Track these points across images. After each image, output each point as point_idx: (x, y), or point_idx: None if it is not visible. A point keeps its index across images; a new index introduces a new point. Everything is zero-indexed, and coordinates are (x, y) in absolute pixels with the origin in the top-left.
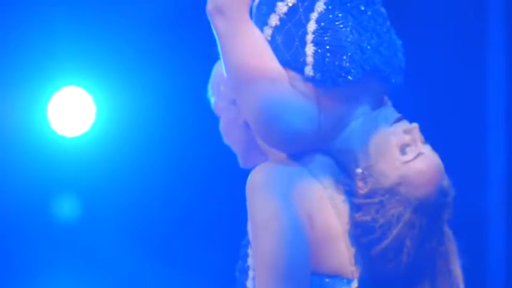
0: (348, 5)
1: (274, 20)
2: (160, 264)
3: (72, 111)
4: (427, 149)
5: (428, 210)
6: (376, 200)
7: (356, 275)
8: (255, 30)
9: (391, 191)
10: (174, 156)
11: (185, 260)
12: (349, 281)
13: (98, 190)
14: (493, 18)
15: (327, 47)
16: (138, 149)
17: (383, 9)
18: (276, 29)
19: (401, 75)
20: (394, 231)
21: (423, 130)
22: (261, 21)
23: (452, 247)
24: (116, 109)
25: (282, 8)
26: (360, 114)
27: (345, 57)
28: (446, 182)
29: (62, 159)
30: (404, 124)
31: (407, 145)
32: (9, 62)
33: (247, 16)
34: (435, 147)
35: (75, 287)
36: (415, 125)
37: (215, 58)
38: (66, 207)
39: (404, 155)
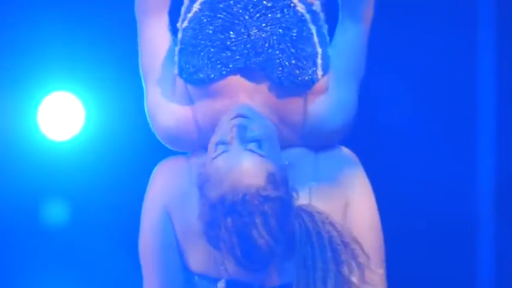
0: (220, 5)
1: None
2: None
3: (61, 115)
4: (238, 148)
5: (225, 208)
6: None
7: (225, 274)
8: (155, 31)
9: (200, 188)
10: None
11: None
12: (216, 280)
13: (88, 193)
14: (483, 19)
15: (187, 47)
16: (127, 152)
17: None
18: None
19: (283, 72)
20: (222, 230)
21: (414, 132)
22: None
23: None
24: (105, 113)
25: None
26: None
27: (198, 56)
28: (247, 182)
29: (52, 163)
30: (234, 121)
31: (222, 142)
32: None
33: (149, 17)
34: (425, 150)
35: None
36: (232, 122)
37: None
38: (57, 211)
39: (215, 152)
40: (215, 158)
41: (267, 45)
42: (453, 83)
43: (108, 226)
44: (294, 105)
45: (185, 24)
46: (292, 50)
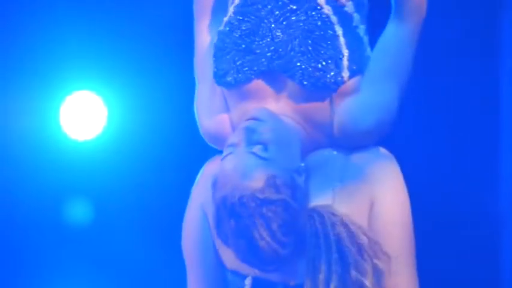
0: (249, 9)
1: None
2: (174, 267)
3: (84, 115)
4: (242, 151)
5: (227, 209)
6: None
7: (251, 271)
8: (205, 34)
9: (211, 189)
10: (187, 159)
11: None
12: (244, 277)
13: (110, 193)
14: (506, 18)
15: (217, 50)
16: (150, 151)
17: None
18: None
19: (303, 75)
20: (228, 231)
21: (434, 131)
22: None
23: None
24: (127, 112)
25: None
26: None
27: (226, 60)
28: (244, 185)
29: (74, 162)
30: (244, 124)
31: (231, 144)
32: (20, 68)
33: (200, 20)
34: (447, 149)
35: None
36: (242, 125)
37: None
38: (79, 211)
39: (224, 154)
40: (222, 159)
41: (289, 48)
42: (475, 81)
43: (130, 225)
44: (320, 107)
45: (221, 28)
46: (313, 53)
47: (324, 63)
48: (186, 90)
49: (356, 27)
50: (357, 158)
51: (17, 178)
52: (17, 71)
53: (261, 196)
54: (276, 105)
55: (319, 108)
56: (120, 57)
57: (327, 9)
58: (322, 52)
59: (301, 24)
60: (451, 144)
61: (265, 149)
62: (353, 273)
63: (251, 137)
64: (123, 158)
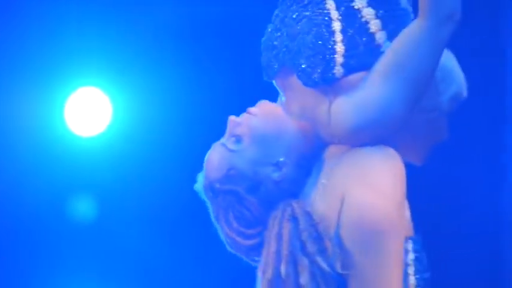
0: (281, 4)
1: None
2: (177, 263)
3: (88, 111)
4: (219, 142)
5: (207, 198)
6: None
7: None
8: None
9: None
10: (191, 156)
11: (203, 258)
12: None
13: (114, 190)
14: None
15: (262, 46)
16: (154, 148)
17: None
18: None
19: (299, 71)
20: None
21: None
22: None
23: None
24: (132, 109)
25: None
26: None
27: (261, 57)
28: (207, 174)
29: (79, 159)
30: (236, 117)
31: (223, 136)
32: (25, 64)
33: None
34: (452, 148)
35: (92, 286)
36: (230, 118)
37: (231, 58)
38: (83, 207)
39: None
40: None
41: (295, 43)
42: (481, 83)
43: (134, 221)
44: (320, 103)
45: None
46: (307, 49)
47: (312, 59)
48: (190, 89)
49: (366, 22)
50: (349, 154)
51: (22, 174)
52: (21, 68)
53: (217, 186)
54: (287, 101)
55: (318, 104)
56: (126, 54)
57: (330, 4)
58: (314, 48)
59: (305, 19)
60: (454, 144)
61: (238, 141)
62: (284, 267)
63: (233, 130)
64: (128, 154)
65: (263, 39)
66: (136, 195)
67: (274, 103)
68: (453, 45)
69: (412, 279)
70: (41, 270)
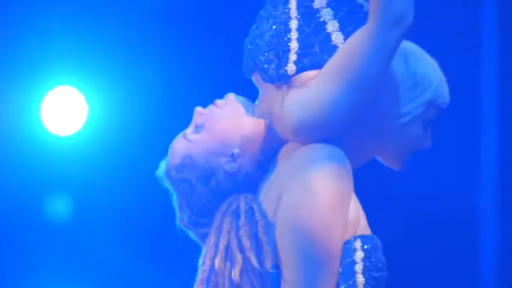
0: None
1: None
2: (152, 264)
3: (64, 110)
4: (184, 131)
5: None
6: None
7: None
8: None
9: None
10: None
11: (178, 259)
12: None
13: (90, 189)
14: (486, 16)
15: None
16: (130, 147)
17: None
18: None
19: (259, 68)
20: None
21: None
22: None
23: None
24: (108, 108)
25: None
26: None
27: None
28: (167, 162)
29: (55, 158)
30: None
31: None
32: (1, 63)
33: None
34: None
35: (68, 286)
36: (196, 108)
37: (207, 58)
38: (59, 206)
39: None
40: None
41: (262, 41)
42: (456, 80)
43: (110, 221)
44: (276, 99)
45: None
46: (265, 46)
47: (267, 55)
48: (166, 87)
49: (323, 22)
50: (296, 152)
51: None
52: None
53: (172, 173)
54: (259, 98)
55: (275, 102)
56: (101, 53)
57: (291, 4)
58: (270, 45)
59: (271, 19)
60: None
61: (197, 131)
62: (218, 261)
63: (196, 120)
64: (103, 153)
65: (246, 39)
66: (112, 194)
67: (241, 96)
68: (429, 43)
69: (360, 277)
70: (15, 269)
